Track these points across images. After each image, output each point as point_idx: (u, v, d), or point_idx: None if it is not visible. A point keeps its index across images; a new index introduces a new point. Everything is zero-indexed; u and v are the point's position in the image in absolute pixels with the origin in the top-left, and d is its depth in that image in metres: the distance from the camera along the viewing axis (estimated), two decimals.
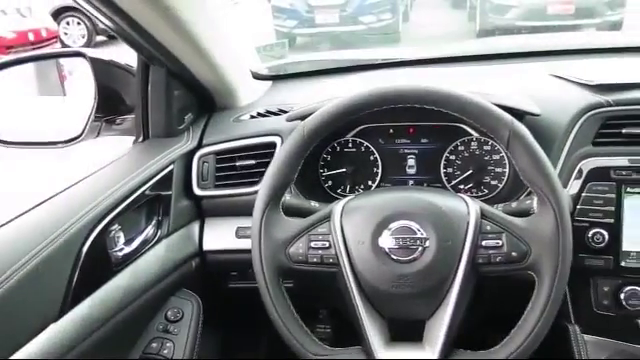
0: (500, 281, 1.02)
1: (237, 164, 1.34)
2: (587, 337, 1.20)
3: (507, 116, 0.97)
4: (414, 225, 0.98)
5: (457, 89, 0.99)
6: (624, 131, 1.18)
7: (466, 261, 0.96)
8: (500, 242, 0.96)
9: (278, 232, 1.02)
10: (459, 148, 1.35)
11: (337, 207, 1.04)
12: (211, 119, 1.45)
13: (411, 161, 1.39)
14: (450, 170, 1.36)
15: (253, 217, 1.03)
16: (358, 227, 1.00)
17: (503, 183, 1.33)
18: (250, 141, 1.34)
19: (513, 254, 0.96)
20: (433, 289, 0.97)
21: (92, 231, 1.06)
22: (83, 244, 1.03)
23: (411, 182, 1.39)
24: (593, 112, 1.20)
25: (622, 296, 1.14)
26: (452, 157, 1.36)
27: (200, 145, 1.37)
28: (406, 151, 1.39)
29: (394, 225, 0.99)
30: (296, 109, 1.30)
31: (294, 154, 1.02)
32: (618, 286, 1.16)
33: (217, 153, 1.35)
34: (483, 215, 0.99)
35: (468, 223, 0.98)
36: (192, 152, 1.35)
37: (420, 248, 0.97)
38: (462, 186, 1.36)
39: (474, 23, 7.64)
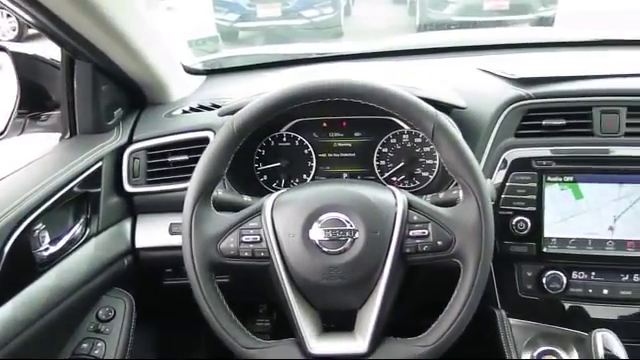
0: (432, 270, 1.05)
1: (169, 160, 1.32)
2: (513, 321, 1.25)
3: (431, 109, 0.99)
4: (343, 217, 1.00)
5: (383, 83, 1.01)
6: (544, 123, 1.23)
7: (394, 251, 0.98)
8: (426, 232, 0.99)
9: (209, 227, 1.01)
10: (391, 141, 1.38)
11: (268, 201, 1.04)
12: (142, 114, 1.42)
13: (345, 154, 1.40)
14: (383, 162, 1.39)
15: (183, 213, 1.02)
16: (289, 220, 1.01)
17: (434, 175, 1.37)
18: (182, 136, 1.32)
19: (439, 243, 0.98)
20: (363, 279, 0.99)
21: (14, 230, 1.02)
22: (4, 244, 1.00)
23: (345, 175, 1.40)
24: (515, 105, 1.25)
25: (544, 280, 1.20)
26: (385, 150, 1.38)
27: (130, 141, 1.34)
28: (340, 144, 1.41)
29: (324, 217, 1.00)
30: (228, 103, 1.29)
31: (223, 149, 1.01)
32: (540, 271, 1.21)
33: (148, 149, 1.32)
34: (410, 206, 1.01)
35: (396, 214, 1.00)
36: (122, 148, 1.32)
37: (349, 239, 0.98)
38: (394, 178, 1.38)
39: (414, 17, 7.76)
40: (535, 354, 1.23)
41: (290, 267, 1.00)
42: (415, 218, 1.00)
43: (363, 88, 1.00)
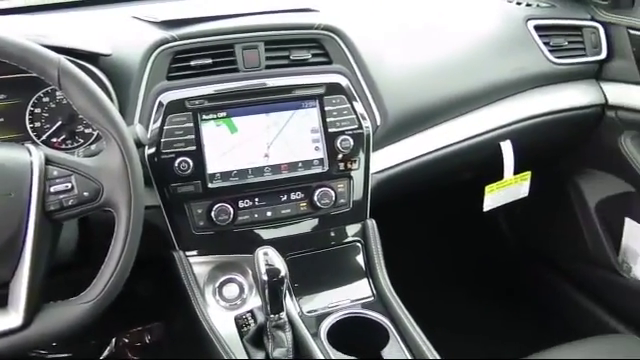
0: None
1: None
2: (192, 259, 1.28)
3: (53, 54, 0.93)
4: None
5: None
6: (193, 63, 1.26)
7: (35, 211, 0.91)
8: (70, 185, 0.94)
9: None
10: (44, 100, 1.27)
11: None
12: None
13: None
14: (38, 124, 1.27)
15: None
16: None
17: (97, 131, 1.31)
18: None
19: (85, 194, 0.94)
20: (4, 248, 0.90)
21: None
22: None
23: None
24: (161, 48, 1.24)
25: (213, 214, 1.24)
26: (37, 110, 1.27)
27: None
28: None
29: None
30: None
31: None
32: (209, 206, 1.25)
33: None
34: (48, 161, 0.95)
35: (32, 172, 0.93)
36: None
37: None
38: (54, 139, 1.28)
39: None
40: (216, 285, 1.29)
41: None
42: (55, 173, 0.94)
43: None
